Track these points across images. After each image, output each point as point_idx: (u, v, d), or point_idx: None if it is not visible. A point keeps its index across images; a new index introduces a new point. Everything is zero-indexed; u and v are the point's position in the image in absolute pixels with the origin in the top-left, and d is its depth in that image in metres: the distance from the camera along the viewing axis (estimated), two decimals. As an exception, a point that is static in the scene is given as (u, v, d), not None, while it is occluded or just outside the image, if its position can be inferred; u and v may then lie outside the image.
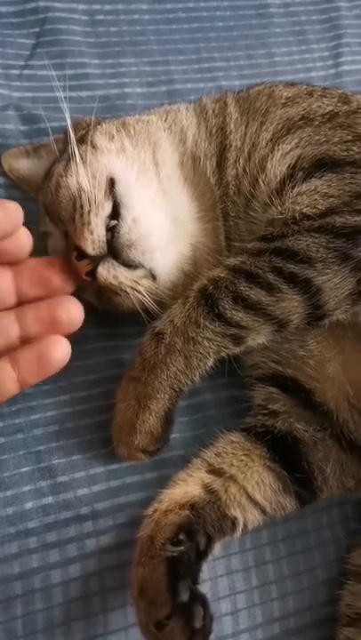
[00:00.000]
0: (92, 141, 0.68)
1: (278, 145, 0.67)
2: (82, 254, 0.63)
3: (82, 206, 0.63)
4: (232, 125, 0.71)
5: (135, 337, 0.67)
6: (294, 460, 0.67)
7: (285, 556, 0.71)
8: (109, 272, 0.64)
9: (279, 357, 0.70)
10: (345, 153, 0.66)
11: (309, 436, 0.68)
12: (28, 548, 0.64)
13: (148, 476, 0.69)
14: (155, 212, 0.67)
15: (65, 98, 0.69)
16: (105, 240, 0.63)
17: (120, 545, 0.66)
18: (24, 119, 0.84)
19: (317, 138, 0.67)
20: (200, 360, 0.61)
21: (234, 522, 0.64)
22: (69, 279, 0.62)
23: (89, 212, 0.63)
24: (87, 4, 0.95)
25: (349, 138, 0.67)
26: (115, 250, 0.64)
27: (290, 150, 0.66)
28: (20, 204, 0.76)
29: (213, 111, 0.73)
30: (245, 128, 0.70)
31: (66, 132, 0.71)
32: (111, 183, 0.65)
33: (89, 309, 0.68)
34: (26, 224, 0.74)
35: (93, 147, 0.68)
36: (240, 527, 0.65)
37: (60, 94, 0.69)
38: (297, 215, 0.62)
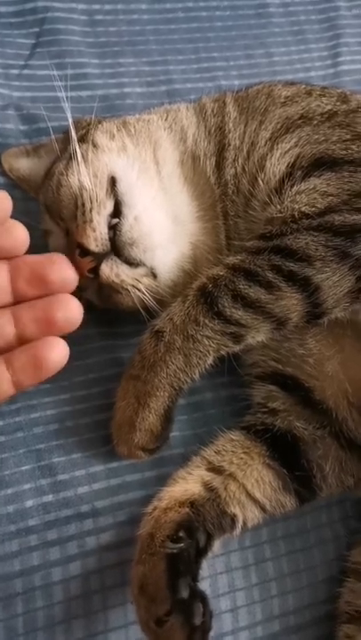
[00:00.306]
0: (93, 140, 0.68)
1: (277, 144, 0.67)
2: (85, 251, 0.63)
3: (84, 204, 0.64)
4: (231, 124, 0.71)
5: (134, 336, 0.67)
6: (294, 457, 0.68)
7: (285, 554, 0.72)
8: (112, 270, 0.64)
9: (279, 356, 0.70)
10: (344, 152, 0.66)
11: (309, 434, 0.68)
12: (29, 545, 0.64)
13: (147, 474, 0.69)
14: (156, 210, 0.67)
15: (66, 97, 0.70)
16: (107, 238, 0.64)
17: (120, 543, 0.66)
18: (24, 119, 0.84)
19: (316, 137, 0.68)
20: (200, 358, 0.61)
21: (233, 519, 0.64)
22: (72, 276, 0.61)
23: (91, 210, 0.63)
24: (86, 4, 0.95)
25: (348, 137, 0.68)
26: (117, 248, 0.64)
27: (289, 149, 0.67)
28: (20, 203, 0.76)
29: (212, 110, 0.73)
30: (244, 127, 0.70)
31: (66, 132, 0.71)
32: (112, 182, 0.65)
33: (88, 308, 0.67)
34: (27, 223, 0.75)
35: (94, 145, 0.68)
36: (240, 525, 0.65)
37: (62, 94, 0.70)
38: (296, 214, 0.62)
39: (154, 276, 0.67)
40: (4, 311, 0.57)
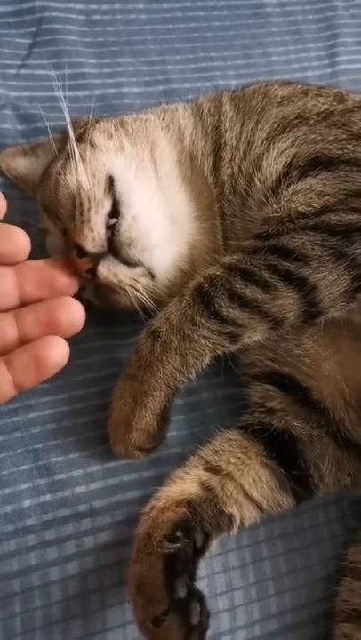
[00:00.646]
0: (90, 140, 0.68)
1: (274, 143, 0.67)
2: (82, 252, 0.63)
3: (81, 204, 0.64)
4: (227, 124, 0.71)
5: (132, 336, 0.67)
6: (291, 457, 0.68)
7: (282, 553, 0.72)
8: (110, 270, 0.64)
9: (276, 356, 0.71)
10: (340, 151, 0.66)
11: (306, 434, 0.68)
12: (27, 545, 0.64)
13: (145, 473, 0.69)
14: (154, 210, 0.67)
15: (63, 97, 0.69)
16: (105, 238, 0.63)
17: (118, 542, 0.66)
18: (21, 118, 0.84)
19: (313, 136, 0.68)
20: (196, 358, 0.61)
21: (230, 519, 0.65)
22: (74, 280, 0.62)
23: (89, 210, 0.63)
24: (84, 4, 0.95)
25: (344, 136, 0.68)
26: (114, 248, 0.64)
27: (285, 149, 0.67)
28: (17, 203, 0.78)
29: (209, 110, 0.73)
30: (241, 127, 0.70)
31: (63, 132, 0.71)
32: (110, 181, 0.65)
33: (87, 308, 0.67)
34: (25, 222, 0.75)
35: (92, 145, 0.68)
36: (237, 524, 0.65)
37: (60, 94, 0.70)
38: (292, 213, 0.62)
39: (151, 275, 0.67)
40: (7, 314, 0.57)
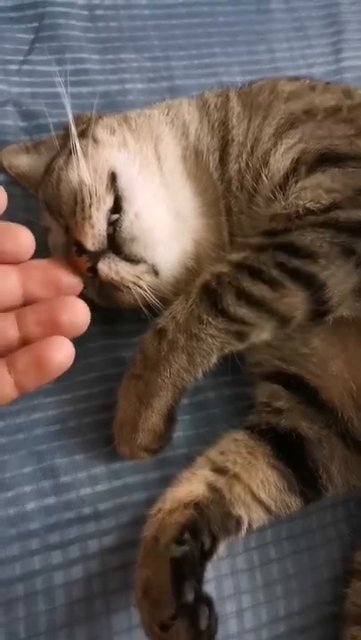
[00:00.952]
0: (93, 135, 0.67)
1: (281, 139, 0.66)
2: (81, 249, 0.62)
3: (83, 200, 0.62)
4: (234, 120, 0.70)
5: (136, 334, 0.66)
6: (299, 458, 0.67)
7: (290, 555, 0.71)
8: (111, 267, 0.63)
9: (282, 355, 0.69)
10: (348, 147, 0.65)
11: (314, 434, 0.67)
12: (30, 549, 0.63)
13: (150, 475, 0.68)
14: (157, 206, 0.66)
15: (66, 93, 0.68)
16: (105, 234, 0.62)
17: (123, 545, 0.65)
18: (23, 115, 0.83)
19: (320, 132, 0.67)
20: (203, 357, 0.60)
21: (238, 521, 0.64)
22: (79, 278, 0.60)
23: (90, 206, 0.62)
24: (86, -1, 0.94)
25: (352, 132, 0.67)
26: (116, 244, 0.63)
27: (293, 144, 0.66)
28: (20, 200, 0.78)
29: (215, 105, 0.72)
30: (248, 122, 0.69)
31: (66, 128, 0.70)
32: (113, 177, 0.64)
33: (90, 307, 0.66)
34: (27, 220, 0.73)
35: (95, 140, 0.67)
36: (245, 526, 0.64)
37: (62, 90, 0.68)
38: (300, 210, 0.61)
39: (155, 273, 0.66)
40: (9, 313, 0.55)
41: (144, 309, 0.66)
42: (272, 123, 0.68)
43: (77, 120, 0.71)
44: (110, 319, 0.73)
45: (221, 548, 0.63)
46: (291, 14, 1.05)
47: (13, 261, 0.58)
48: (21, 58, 0.87)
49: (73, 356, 0.52)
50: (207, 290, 0.60)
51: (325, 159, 0.64)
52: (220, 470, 0.65)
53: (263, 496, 0.65)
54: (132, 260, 0.63)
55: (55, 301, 0.54)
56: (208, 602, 0.56)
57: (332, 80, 0.97)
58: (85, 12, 0.93)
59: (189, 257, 0.69)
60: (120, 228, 0.62)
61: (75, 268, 0.62)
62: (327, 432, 0.67)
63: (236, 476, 0.65)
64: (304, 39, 1.03)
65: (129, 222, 0.63)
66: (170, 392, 0.61)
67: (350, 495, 0.74)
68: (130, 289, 0.64)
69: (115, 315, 0.72)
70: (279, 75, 0.82)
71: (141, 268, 0.64)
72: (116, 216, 0.63)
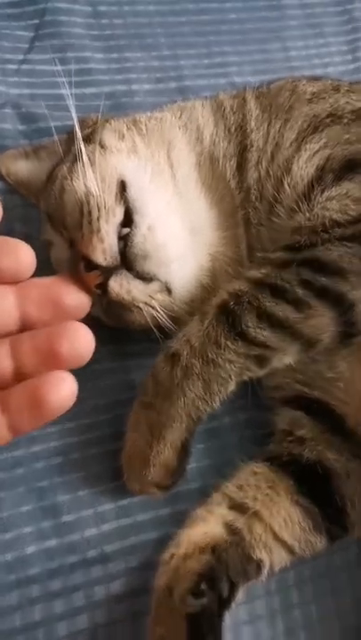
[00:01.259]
0: (100, 140, 0.62)
1: (305, 144, 0.61)
2: (91, 265, 0.57)
3: (90, 212, 0.58)
4: (253, 123, 0.65)
5: (147, 355, 0.62)
6: (325, 493, 0.61)
7: (314, 598, 0.65)
8: (122, 286, 0.58)
9: (305, 378, 0.64)
10: None
11: (341, 466, 0.62)
12: (31, 597, 0.57)
13: (162, 512, 0.63)
14: (171, 218, 0.61)
15: (70, 94, 0.64)
16: (117, 249, 0.57)
17: (132, 592, 0.59)
18: (22, 118, 0.78)
19: (347, 136, 0.62)
20: (221, 384, 0.55)
21: (259, 565, 0.58)
22: (84, 298, 0.55)
23: (98, 219, 0.57)
24: (90, -6, 0.89)
25: None
26: (127, 261, 0.58)
27: (318, 150, 0.61)
28: (19, 211, 0.73)
29: (232, 108, 0.67)
30: (268, 126, 0.64)
31: (70, 132, 0.65)
32: (122, 186, 0.59)
33: (96, 325, 0.62)
34: (26, 233, 0.68)
35: (102, 146, 0.62)
36: (266, 570, 0.59)
37: (65, 91, 0.64)
38: (327, 222, 0.56)
39: (169, 291, 0.61)
40: (3, 341, 0.48)
41: (155, 330, 0.61)
42: (294, 126, 0.63)
43: (82, 124, 0.66)
44: (118, 338, 0.68)
45: (240, 594, 0.58)
46: (305, 10, 1.00)
47: (11, 280, 0.52)
48: (21, 57, 0.83)
49: (75, 393, 0.46)
50: (225, 310, 0.55)
51: (354, 166, 0.59)
52: (238, 508, 0.60)
53: (286, 536, 0.60)
54: (145, 277, 0.59)
55: (55, 327, 0.47)
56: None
57: (350, 80, 0.91)
58: (88, 8, 0.88)
59: (205, 273, 0.64)
60: (132, 243, 0.57)
61: (81, 285, 0.56)
62: (356, 464, 0.62)
63: (256, 515, 0.60)
64: (320, 37, 0.98)
65: (141, 237, 0.58)
66: (184, 423, 0.56)
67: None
68: (141, 309, 0.60)
69: (123, 333, 0.66)
70: (296, 75, 0.77)
71: (154, 286, 0.60)
72: (126, 230, 0.58)
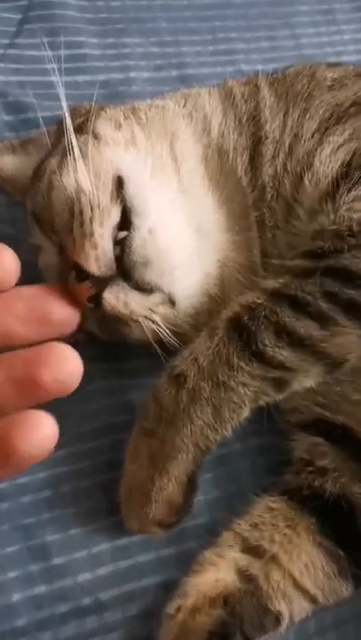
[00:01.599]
0: (93, 130, 0.56)
1: (327, 137, 0.55)
2: (83, 274, 0.51)
3: (82, 212, 0.51)
4: (267, 112, 0.58)
5: (147, 373, 0.58)
6: (351, 533, 0.55)
7: (336, 648, 0.59)
8: (119, 298, 0.52)
9: (326, 401, 0.58)
10: None
11: (368, 502, 0.55)
12: (16, 653, 0.51)
13: (164, 552, 0.57)
14: (175, 219, 0.55)
15: (61, 82, 0.59)
16: (112, 256, 0.51)
17: (132, 646, 0.53)
18: (9, 107, 0.72)
19: None
20: (233, 411, 0.49)
21: (278, 617, 0.53)
22: (73, 311, 0.49)
23: (91, 221, 0.51)
24: (83, -27, 0.83)
25: None
26: (125, 269, 0.52)
27: (343, 143, 0.54)
28: (4, 211, 0.67)
29: (243, 95, 0.61)
30: (284, 116, 0.58)
31: (60, 122, 0.59)
32: (119, 183, 0.53)
33: (90, 339, 0.58)
34: (13, 235, 0.62)
35: (96, 137, 0.56)
36: (285, 623, 0.53)
37: (56, 78, 0.58)
38: (354, 225, 0.50)
39: (172, 303, 0.55)
40: None
41: (155, 345, 0.55)
42: (315, 116, 0.57)
43: (74, 112, 0.60)
44: (114, 354, 0.63)
45: (255, 650, 0.52)
46: (316, -5, 0.94)
47: None
48: (7, 41, 0.77)
49: (56, 437, 0.38)
50: (237, 325, 0.49)
51: None
52: (253, 551, 0.54)
53: (308, 584, 0.54)
54: (145, 288, 0.53)
55: (36, 352, 0.40)
56: None
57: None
58: (83, -12, 0.82)
59: (213, 282, 0.58)
60: (130, 248, 0.51)
61: (72, 297, 0.51)
62: None
63: (273, 559, 0.53)
64: (332, 24, 0.92)
65: (141, 241, 0.51)
66: (191, 454, 0.51)
67: None
68: (140, 323, 0.54)
69: (119, 348, 0.61)
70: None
71: (155, 298, 0.54)
72: (124, 233, 0.52)
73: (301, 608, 0.54)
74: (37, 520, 0.56)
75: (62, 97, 0.58)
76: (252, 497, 0.58)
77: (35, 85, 0.73)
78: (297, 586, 0.53)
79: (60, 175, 0.54)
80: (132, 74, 0.79)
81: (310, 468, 0.58)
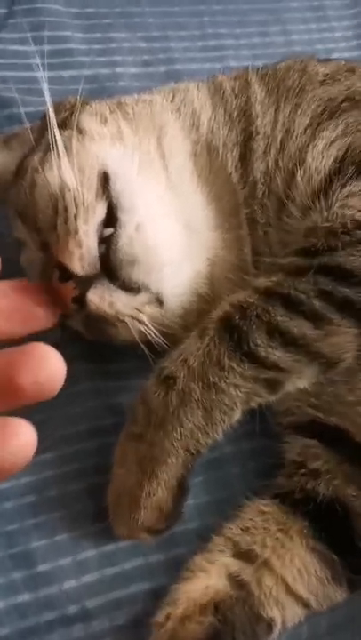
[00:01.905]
0: (78, 125, 0.55)
1: (320, 132, 0.54)
2: (66, 274, 0.50)
3: (66, 209, 0.50)
4: (258, 107, 0.57)
5: (136, 375, 0.57)
6: (345, 537, 0.54)
7: (330, 655, 0.57)
8: (104, 298, 0.51)
9: (320, 402, 0.57)
10: None
11: (361, 505, 0.54)
12: (0, 665, 0.50)
13: (153, 559, 0.56)
14: (163, 216, 0.53)
15: (44, 77, 0.57)
16: (97, 255, 0.50)
17: (119, 657, 0.52)
18: None
19: None
20: (224, 413, 0.48)
21: (270, 624, 0.51)
22: (54, 309, 0.48)
23: (75, 218, 0.50)
24: (70, -34, 0.83)
25: None
26: (110, 268, 0.50)
27: (336, 139, 0.54)
28: None
29: (233, 90, 0.60)
30: (275, 111, 0.57)
31: (43, 117, 0.58)
32: (105, 178, 0.52)
33: (75, 338, 0.57)
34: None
35: (80, 131, 0.54)
36: (277, 629, 0.52)
37: (40, 74, 0.57)
38: (348, 222, 0.49)
39: (160, 303, 0.54)
40: None
41: (143, 346, 0.54)
42: (307, 111, 0.56)
43: (58, 107, 0.59)
44: (102, 354, 0.61)
45: (246, 657, 0.50)
46: (306, -9, 0.93)
47: None
48: None
49: (34, 446, 0.36)
50: (228, 325, 0.48)
51: None
52: (244, 556, 0.53)
53: (301, 590, 0.52)
54: (131, 288, 0.52)
55: (15, 353, 0.38)
56: None
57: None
58: (68, -18, 0.81)
59: (202, 281, 0.57)
60: (116, 246, 0.50)
61: (56, 297, 0.50)
62: None
63: (265, 564, 0.52)
64: (323, 21, 0.91)
65: (127, 238, 0.50)
66: (180, 458, 0.49)
67: None
68: (127, 324, 0.52)
69: (106, 349, 0.59)
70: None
71: (142, 298, 0.52)
72: (109, 230, 0.51)
73: (294, 614, 0.53)
74: (21, 526, 0.54)
75: (46, 91, 0.56)
76: (243, 501, 0.57)
77: (18, 80, 0.71)
78: (290, 591, 0.52)
79: (44, 171, 0.53)
80: (119, 69, 0.78)
81: (303, 471, 0.57)
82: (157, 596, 0.52)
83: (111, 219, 0.51)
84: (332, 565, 0.53)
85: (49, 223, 0.52)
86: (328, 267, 0.48)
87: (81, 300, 0.50)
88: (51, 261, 0.51)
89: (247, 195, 0.56)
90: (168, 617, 0.49)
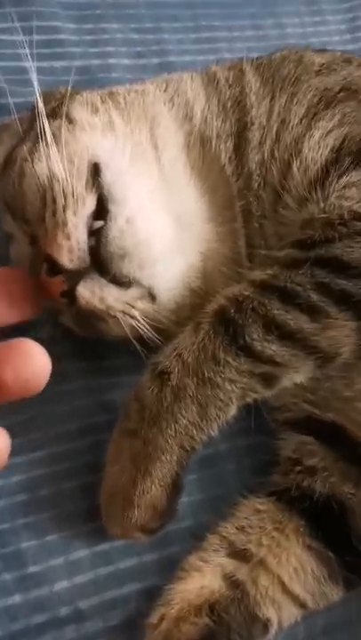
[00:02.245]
0: (68, 114, 0.54)
1: (316, 122, 0.54)
2: (55, 267, 0.49)
3: (54, 201, 0.49)
4: (253, 97, 0.56)
5: (129, 371, 0.56)
6: (341, 535, 0.53)
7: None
8: (94, 293, 0.50)
9: (316, 398, 0.57)
10: None
11: (358, 502, 0.54)
12: (-11, 669, 0.49)
13: (146, 558, 0.55)
14: (155, 208, 0.52)
15: (34, 68, 0.56)
16: (87, 248, 0.49)
17: (113, 658, 0.51)
18: None
19: None
20: (220, 408, 0.48)
21: (266, 624, 0.51)
22: (38, 300, 0.47)
23: (65, 209, 0.49)
24: None
25: None
26: (101, 262, 0.49)
27: (332, 129, 0.53)
28: None
29: (227, 80, 0.59)
30: (271, 101, 0.56)
31: (33, 108, 0.57)
32: (95, 169, 0.51)
33: (67, 335, 0.56)
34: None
35: (70, 121, 0.53)
36: (274, 629, 0.51)
37: (30, 64, 0.56)
38: (345, 213, 0.49)
39: (152, 297, 0.53)
40: None
41: (135, 342, 0.53)
42: (302, 101, 0.55)
43: (48, 97, 0.58)
44: (94, 351, 0.60)
45: (242, 658, 0.50)
46: (301, -16, 0.92)
47: None
48: None
49: (7, 450, 0.35)
50: (223, 319, 0.48)
51: None
52: (240, 555, 0.52)
53: (297, 589, 0.52)
54: (122, 282, 0.50)
55: (0, 348, 0.37)
56: None
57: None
58: (59, -29, 0.79)
59: (195, 275, 0.56)
60: (106, 239, 0.49)
61: (45, 291, 0.50)
62: None
63: (261, 564, 0.52)
64: (317, 14, 0.90)
65: (118, 231, 0.49)
66: (175, 455, 0.49)
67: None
68: (118, 319, 0.51)
69: (98, 344, 0.58)
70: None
71: (133, 292, 0.51)
72: (100, 223, 0.49)
73: (291, 613, 0.52)
74: (11, 526, 0.53)
75: (35, 82, 0.55)
76: (238, 499, 0.56)
77: (7, 71, 0.69)
78: (286, 591, 0.51)
79: (32, 162, 0.52)
80: (111, 60, 0.76)
81: (299, 468, 0.56)
82: (151, 596, 0.52)
83: (101, 211, 0.50)
84: (329, 564, 0.52)
85: (37, 215, 0.51)
86: (325, 259, 0.47)
87: (71, 295, 0.49)
88: (39, 255, 0.50)
89: (242, 186, 0.55)
90: (162, 618, 0.49)
